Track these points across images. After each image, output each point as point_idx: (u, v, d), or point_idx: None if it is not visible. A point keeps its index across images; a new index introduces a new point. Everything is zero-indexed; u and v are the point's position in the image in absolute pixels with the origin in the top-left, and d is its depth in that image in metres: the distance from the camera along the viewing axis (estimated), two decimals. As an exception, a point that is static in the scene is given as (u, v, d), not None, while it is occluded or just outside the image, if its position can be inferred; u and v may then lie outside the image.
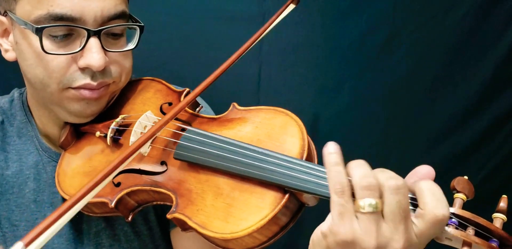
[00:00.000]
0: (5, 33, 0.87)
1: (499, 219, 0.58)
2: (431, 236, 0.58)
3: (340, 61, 1.54)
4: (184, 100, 0.82)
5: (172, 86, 0.93)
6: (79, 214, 0.91)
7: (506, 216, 0.59)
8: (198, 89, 0.82)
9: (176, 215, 0.73)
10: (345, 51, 1.53)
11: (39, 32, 0.77)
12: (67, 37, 0.80)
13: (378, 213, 0.57)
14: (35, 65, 0.81)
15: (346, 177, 0.59)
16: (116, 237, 0.92)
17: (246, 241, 0.69)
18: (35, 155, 0.94)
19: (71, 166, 0.89)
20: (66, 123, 0.91)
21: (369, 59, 1.54)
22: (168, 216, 0.73)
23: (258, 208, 0.68)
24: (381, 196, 0.57)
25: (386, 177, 0.58)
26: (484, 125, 1.57)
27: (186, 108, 0.86)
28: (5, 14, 0.84)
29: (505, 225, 0.59)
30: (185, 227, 0.74)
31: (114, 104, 0.94)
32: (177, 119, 0.84)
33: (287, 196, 0.68)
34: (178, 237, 0.95)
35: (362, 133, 1.59)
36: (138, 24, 0.86)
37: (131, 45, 0.87)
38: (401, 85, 1.56)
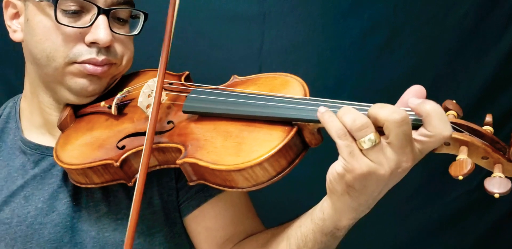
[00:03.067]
0: (15, 16, 0.93)
1: (488, 130, 0.67)
2: (434, 148, 0.65)
3: (340, 61, 1.54)
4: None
5: (170, 72, 0.96)
6: (78, 201, 0.92)
7: (493, 128, 0.67)
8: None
9: (186, 159, 0.75)
10: (345, 51, 1.53)
11: (55, 1, 0.84)
12: (78, 13, 0.87)
13: (379, 144, 0.63)
14: (44, 39, 0.87)
15: (340, 122, 0.65)
16: (119, 221, 0.92)
17: (257, 173, 0.71)
18: (21, 157, 0.97)
19: (71, 141, 0.91)
20: (66, 106, 0.95)
21: (370, 59, 1.54)
22: (178, 161, 0.76)
23: (268, 141, 0.71)
24: (377, 128, 0.64)
25: (389, 112, 0.63)
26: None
27: (186, 84, 0.91)
28: None
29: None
30: (192, 177, 0.77)
31: (114, 90, 0.96)
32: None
33: (295, 128, 0.72)
34: (197, 220, 0.96)
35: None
36: (143, 11, 0.93)
37: (135, 32, 0.94)
38: (402, 85, 1.55)
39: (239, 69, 1.51)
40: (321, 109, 0.68)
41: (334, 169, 0.67)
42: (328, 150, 0.76)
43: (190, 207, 0.95)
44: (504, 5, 1.54)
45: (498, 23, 1.56)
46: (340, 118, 0.65)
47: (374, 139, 0.63)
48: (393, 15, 1.52)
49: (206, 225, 0.95)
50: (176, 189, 0.95)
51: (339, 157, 0.66)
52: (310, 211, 0.77)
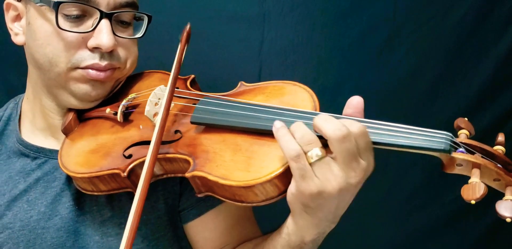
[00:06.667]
0: (17, 18, 0.91)
1: (499, 150, 0.67)
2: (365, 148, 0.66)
3: (340, 61, 1.54)
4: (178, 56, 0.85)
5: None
6: (81, 205, 0.92)
7: (505, 148, 0.66)
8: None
9: (195, 172, 0.74)
10: (345, 51, 1.53)
11: (56, 6, 0.81)
12: (80, 18, 0.85)
13: (325, 158, 0.65)
14: (45, 44, 0.85)
15: (296, 142, 0.66)
16: (122, 226, 0.90)
17: (267, 189, 0.70)
18: (22, 160, 0.96)
19: (75, 147, 0.90)
20: (70, 110, 0.93)
21: (370, 59, 1.54)
22: (187, 174, 0.75)
23: (278, 157, 0.71)
24: (326, 144, 0.65)
25: (333, 128, 0.65)
26: (485, 124, 1.57)
27: (193, 90, 0.90)
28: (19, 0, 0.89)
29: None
30: (200, 189, 0.76)
31: (119, 92, 0.95)
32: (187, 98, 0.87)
33: None
34: (196, 229, 0.96)
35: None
36: (146, 13, 0.91)
37: (138, 34, 0.92)
38: (402, 85, 1.56)
39: (239, 69, 1.52)
40: (277, 124, 0.69)
41: (290, 192, 0.69)
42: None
43: (190, 215, 0.95)
44: (504, 5, 1.54)
45: (498, 23, 1.55)
46: (292, 134, 0.67)
47: (321, 152, 0.65)
48: (393, 15, 1.52)
49: (204, 235, 0.96)
50: (180, 194, 0.95)
51: (292, 179, 0.68)
52: (282, 225, 0.78)
